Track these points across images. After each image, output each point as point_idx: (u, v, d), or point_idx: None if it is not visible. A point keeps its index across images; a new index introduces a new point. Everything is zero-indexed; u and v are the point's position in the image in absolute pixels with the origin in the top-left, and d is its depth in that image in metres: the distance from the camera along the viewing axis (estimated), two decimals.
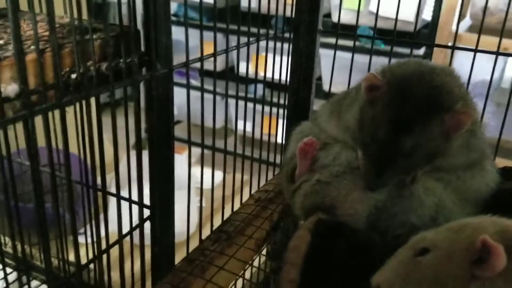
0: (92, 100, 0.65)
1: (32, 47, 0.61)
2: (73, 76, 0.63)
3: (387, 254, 0.57)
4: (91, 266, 0.74)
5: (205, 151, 1.03)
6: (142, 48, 0.72)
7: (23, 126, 0.56)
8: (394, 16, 0.87)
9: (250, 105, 0.97)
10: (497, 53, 0.88)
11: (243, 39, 0.82)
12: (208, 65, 0.85)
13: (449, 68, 0.72)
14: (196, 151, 1.11)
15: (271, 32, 0.89)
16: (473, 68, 0.92)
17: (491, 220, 0.53)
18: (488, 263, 0.47)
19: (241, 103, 1.00)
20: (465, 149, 0.69)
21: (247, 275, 0.80)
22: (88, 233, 0.90)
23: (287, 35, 0.93)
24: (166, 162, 0.81)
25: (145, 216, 0.80)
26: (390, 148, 0.62)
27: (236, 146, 1.04)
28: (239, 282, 0.78)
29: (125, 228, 0.76)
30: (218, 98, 0.95)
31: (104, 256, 0.72)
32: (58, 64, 0.56)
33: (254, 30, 0.84)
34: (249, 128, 1.00)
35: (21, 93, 0.53)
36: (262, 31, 0.84)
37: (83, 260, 0.70)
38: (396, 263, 0.55)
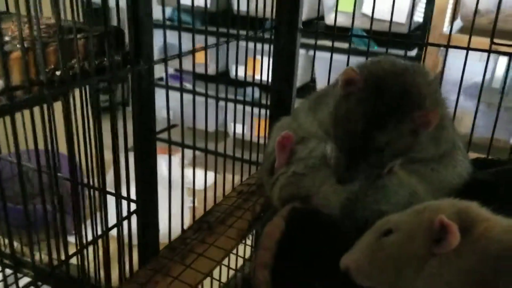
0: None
1: (18, 45, 0.64)
2: (58, 73, 0.67)
3: (357, 238, 0.60)
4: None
5: (199, 153, 1.07)
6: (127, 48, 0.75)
7: (10, 121, 0.60)
8: (386, 18, 0.90)
9: (247, 108, 1.00)
10: (489, 51, 0.90)
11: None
12: (202, 70, 0.88)
13: (420, 66, 0.74)
14: (190, 153, 1.16)
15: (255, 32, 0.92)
16: (466, 69, 0.94)
17: (451, 202, 0.56)
18: (445, 241, 0.50)
19: (233, 106, 1.04)
20: (436, 142, 0.71)
21: (233, 264, 0.83)
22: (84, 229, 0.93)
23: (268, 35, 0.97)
24: (148, 157, 0.84)
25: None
26: (362, 142, 0.64)
27: (226, 148, 1.07)
28: (224, 270, 0.80)
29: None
30: (213, 101, 0.99)
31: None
32: (42, 58, 0.59)
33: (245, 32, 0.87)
34: (240, 130, 1.03)
35: (5, 88, 0.56)
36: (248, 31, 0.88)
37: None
38: (363, 245, 0.58)
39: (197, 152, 1.11)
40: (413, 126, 0.64)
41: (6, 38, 0.69)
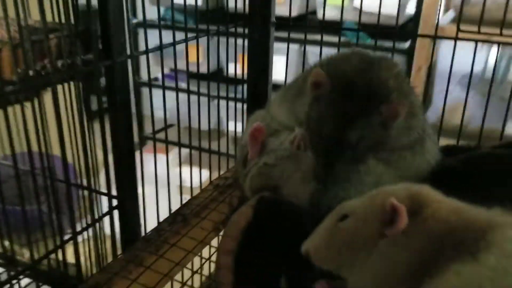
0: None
1: None
2: (30, 72, 0.69)
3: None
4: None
5: (195, 152, 1.10)
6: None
7: None
8: (377, 11, 0.92)
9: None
10: (477, 40, 0.92)
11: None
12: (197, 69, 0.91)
13: (388, 59, 0.75)
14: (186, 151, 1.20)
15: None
16: (458, 60, 0.95)
17: (404, 186, 0.57)
18: (394, 223, 0.52)
19: (231, 103, 1.06)
20: (406, 131, 0.73)
21: (209, 255, 0.85)
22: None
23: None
24: (127, 154, 0.86)
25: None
26: (336, 142, 0.66)
27: (220, 146, 1.10)
28: (197, 260, 0.82)
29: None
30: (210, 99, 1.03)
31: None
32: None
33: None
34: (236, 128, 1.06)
35: None
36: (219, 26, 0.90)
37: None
38: (321, 230, 0.59)
39: (193, 151, 1.15)
40: (382, 120, 0.66)
41: None
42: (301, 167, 0.74)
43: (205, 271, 0.90)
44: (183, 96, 1.04)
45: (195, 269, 0.85)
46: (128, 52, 0.77)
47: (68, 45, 0.73)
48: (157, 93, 1.03)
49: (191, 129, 1.13)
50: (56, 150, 0.84)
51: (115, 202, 0.87)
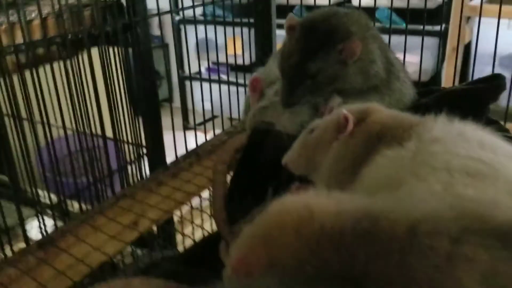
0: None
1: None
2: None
3: None
4: None
5: None
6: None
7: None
8: None
9: None
10: None
11: None
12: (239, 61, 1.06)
13: (356, 11, 0.88)
14: None
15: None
16: (500, 40, 1.00)
17: (357, 106, 0.71)
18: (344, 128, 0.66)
19: None
20: (365, 75, 0.84)
21: None
22: None
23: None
24: (151, 110, 1.04)
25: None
26: (299, 71, 0.80)
27: None
28: None
29: None
30: None
31: None
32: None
33: None
34: None
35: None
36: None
37: None
38: (296, 144, 0.74)
39: None
40: (340, 57, 0.80)
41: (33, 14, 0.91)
42: (288, 109, 0.89)
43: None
44: (224, 88, 1.19)
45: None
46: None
47: (99, 16, 0.92)
48: (199, 85, 1.18)
49: (232, 120, 1.28)
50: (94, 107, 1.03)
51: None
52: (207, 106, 1.20)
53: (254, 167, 0.80)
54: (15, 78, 0.80)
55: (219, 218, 0.71)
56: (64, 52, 0.84)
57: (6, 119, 0.81)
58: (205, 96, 1.19)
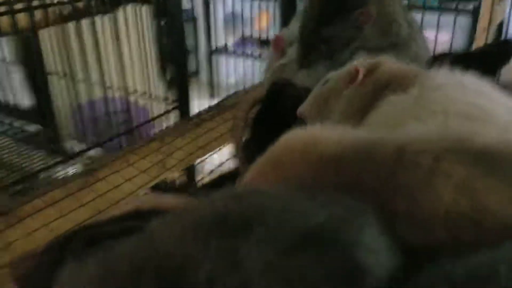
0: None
1: None
2: None
3: None
4: None
5: None
6: None
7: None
8: None
9: None
10: None
11: None
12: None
13: None
14: None
15: None
16: None
17: (368, 60, 0.76)
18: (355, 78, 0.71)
19: None
20: (383, 33, 0.90)
21: None
22: None
23: None
24: (181, 66, 1.11)
25: None
26: (314, 37, 0.86)
27: None
28: None
29: None
30: None
31: None
32: None
33: None
34: None
35: None
36: None
37: None
38: (311, 95, 0.80)
39: None
40: (356, 23, 0.85)
41: None
42: None
43: None
44: (251, 63, 1.24)
45: None
46: None
47: None
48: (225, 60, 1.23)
49: None
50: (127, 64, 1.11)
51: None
52: (233, 80, 1.27)
53: (271, 117, 0.87)
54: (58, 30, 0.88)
55: (238, 157, 0.78)
56: (101, 7, 0.92)
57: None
58: (232, 71, 1.24)
